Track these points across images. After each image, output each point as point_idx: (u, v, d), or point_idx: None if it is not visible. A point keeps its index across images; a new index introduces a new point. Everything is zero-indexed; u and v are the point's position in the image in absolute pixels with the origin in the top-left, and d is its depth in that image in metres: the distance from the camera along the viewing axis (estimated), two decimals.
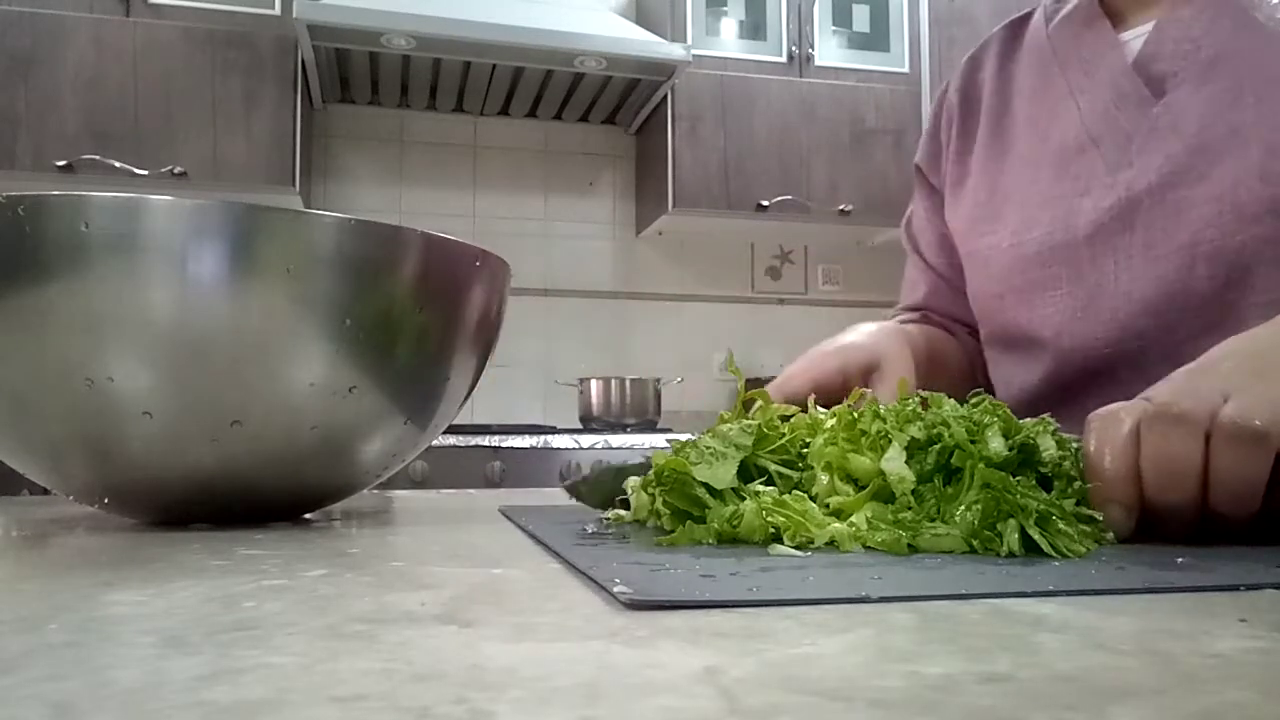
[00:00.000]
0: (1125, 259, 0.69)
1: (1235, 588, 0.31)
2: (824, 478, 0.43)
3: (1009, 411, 0.44)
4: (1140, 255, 0.68)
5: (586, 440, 2.32)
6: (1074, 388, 0.73)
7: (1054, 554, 0.37)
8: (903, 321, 0.88)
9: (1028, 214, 0.76)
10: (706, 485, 0.43)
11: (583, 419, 2.67)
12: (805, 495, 0.42)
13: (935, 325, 0.88)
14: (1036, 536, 0.37)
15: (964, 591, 0.30)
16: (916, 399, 0.46)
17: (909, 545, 0.39)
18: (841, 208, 2.78)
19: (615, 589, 0.29)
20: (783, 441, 0.46)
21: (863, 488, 0.42)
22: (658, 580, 0.31)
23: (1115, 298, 0.70)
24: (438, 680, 0.20)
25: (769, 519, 0.41)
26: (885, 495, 0.41)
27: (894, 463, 0.41)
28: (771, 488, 0.44)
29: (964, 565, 0.35)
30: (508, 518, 0.56)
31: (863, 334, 0.72)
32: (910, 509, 0.40)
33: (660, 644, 0.23)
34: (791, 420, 0.48)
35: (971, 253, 0.83)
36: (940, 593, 0.29)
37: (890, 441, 0.42)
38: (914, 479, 0.41)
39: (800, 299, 3.17)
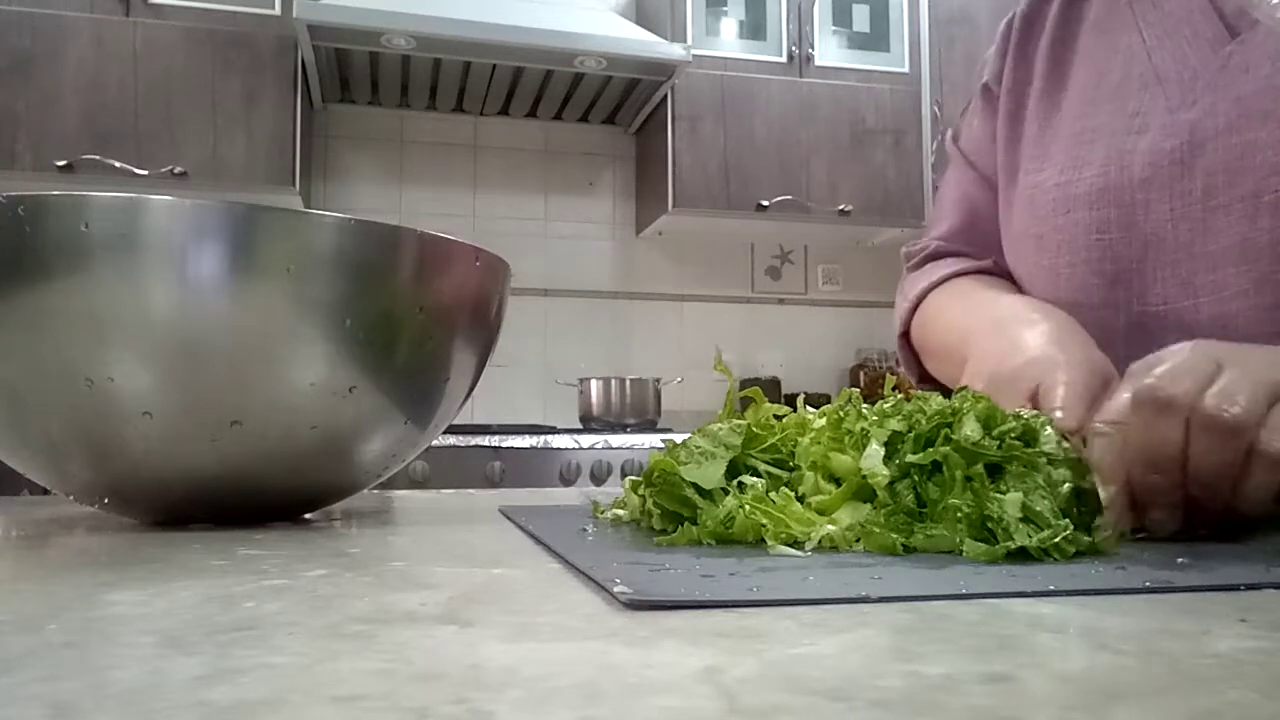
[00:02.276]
0: (1182, 206, 0.64)
1: (1235, 588, 0.31)
2: (809, 476, 0.43)
3: (992, 403, 0.43)
4: (1200, 204, 0.63)
5: (586, 440, 2.32)
6: (1121, 343, 0.66)
7: (1040, 556, 0.37)
8: (965, 270, 0.81)
9: (1078, 152, 0.71)
10: (695, 485, 0.43)
11: (583, 419, 2.67)
12: (791, 494, 0.42)
13: (997, 273, 0.81)
14: (1022, 540, 0.37)
15: (964, 591, 0.30)
16: (901, 396, 0.46)
17: (905, 546, 0.39)
18: (841, 208, 2.78)
19: (615, 589, 0.29)
20: (773, 441, 0.46)
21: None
22: (658, 580, 0.31)
23: (1174, 250, 0.65)
24: (438, 680, 0.20)
25: (751, 516, 0.41)
26: (866, 493, 0.41)
27: (871, 460, 0.41)
28: (757, 479, 0.44)
29: (964, 565, 0.35)
30: (508, 518, 0.56)
31: (1077, 345, 0.58)
32: (889, 506, 0.40)
33: (660, 644, 0.23)
34: (783, 420, 0.48)
35: (1016, 191, 0.77)
36: (940, 593, 0.29)
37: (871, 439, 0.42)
38: (888, 474, 0.41)
39: (800, 299, 3.17)
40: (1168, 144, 0.65)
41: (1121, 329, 0.68)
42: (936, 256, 0.86)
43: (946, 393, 0.81)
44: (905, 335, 0.84)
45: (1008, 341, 0.61)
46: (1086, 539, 0.39)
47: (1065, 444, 0.43)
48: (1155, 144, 0.66)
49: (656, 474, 0.45)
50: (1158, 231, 0.66)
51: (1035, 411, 0.44)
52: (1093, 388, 0.53)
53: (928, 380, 0.83)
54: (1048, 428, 0.43)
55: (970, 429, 0.41)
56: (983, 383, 0.58)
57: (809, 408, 0.50)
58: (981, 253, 0.83)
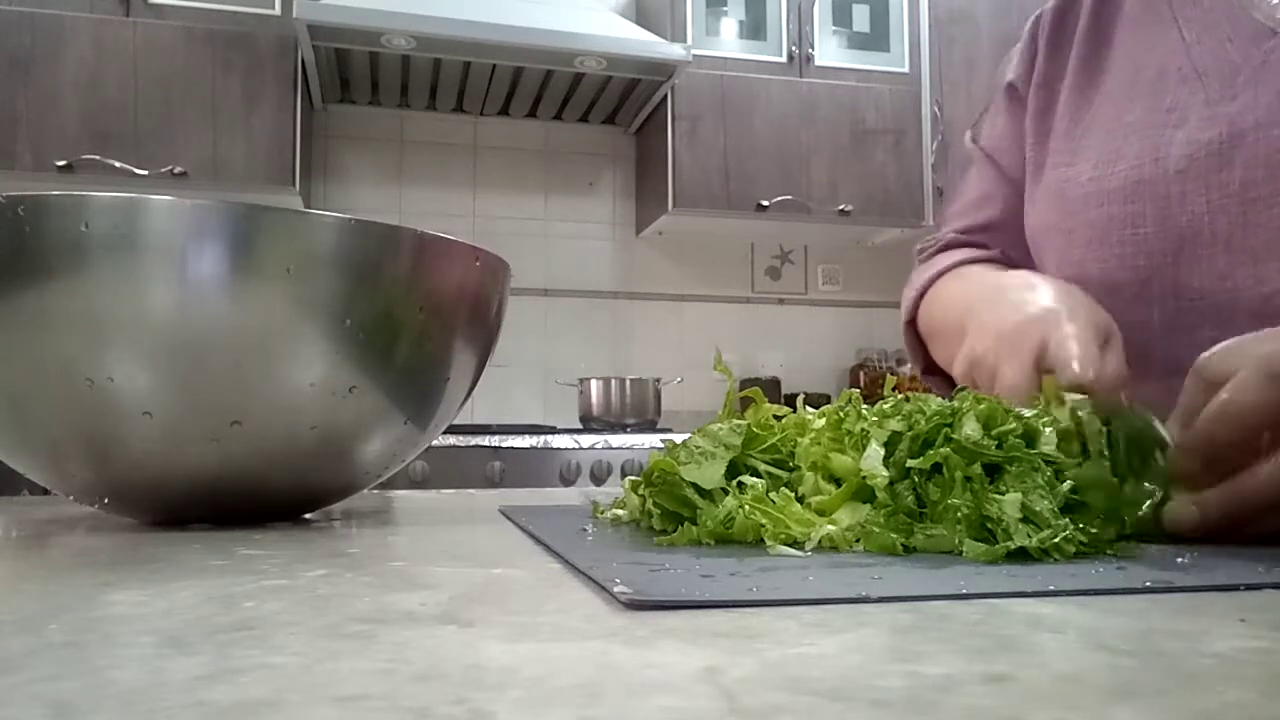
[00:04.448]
0: (1220, 199, 0.63)
1: (1235, 588, 0.31)
2: (809, 477, 0.43)
3: (995, 403, 0.43)
4: (1238, 196, 0.62)
5: (586, 440, 2.32)
6: (1156, 338, 0.66)
7: (1040, 556, 0.37)
8: (973, 259, 0.80)
9: (1112, 146, 0.70)
10: (695, 485, 0.43)
11: (583, 419, 2.67)
12: (791, 494, 0.42)
13: (1005, 261, 0.81)
14: (1021, 540, 0.37)
15: (964, 591, 0.30)
16: (901, 396, 0.46)
17: (905, 546, 0.39)
18: (841, 208, 2.78)
19: (615, 589, 0.29)
20: (773, 441, 0.46)
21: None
22: (658, 580, 0.31)
23: (1210, 243, 0.64)
24: (438, 680, 0.20)
25: (751, 516, 0.41)
26: (865, 493, 0.41)
27: (872, 460, 0.41)
28: (757, 479, 0.44)
29: (964, 565, 0.35)
30: (508, 518, 0.56)
31: (1079, 302, 0.58)
32: (889, 507, 0.40)
33: (660, 644, 0.23)
34: (783, 420, 0.48)
35: (1043, 185, 0.75)
36: (940, 593, 0.29)
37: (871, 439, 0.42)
38: (888, 475, 0.41)
39: (800, 299, 3.17)
40: (1205, 135, 0.64)
41: (1156, 324, 0.67)
42: (949, 248, 0.85)
43: (950, 382, 0.78)
44: (912, 324, 0.83)
45: (1008, 304, 0.60)
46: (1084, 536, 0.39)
47: (1074, 401, 0.43)
48: (1192, 136, 0.65)
49: (656, 474, 0.45)
50: (1194, 224, 0.65)
51: (1035, 411, 0.44)
52: (1100, 341, 0.53)
53: (932, 371, 0.82)
54: (1048, 428, 0.43)
55: (970, 429, 0.41)
56: (987, 343, 0.57)
57: (809, 408, 0.50)
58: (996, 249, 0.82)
